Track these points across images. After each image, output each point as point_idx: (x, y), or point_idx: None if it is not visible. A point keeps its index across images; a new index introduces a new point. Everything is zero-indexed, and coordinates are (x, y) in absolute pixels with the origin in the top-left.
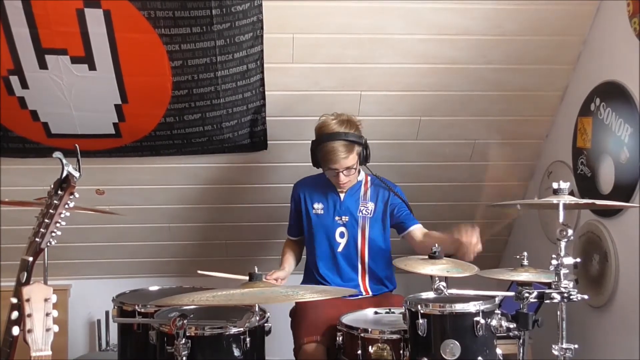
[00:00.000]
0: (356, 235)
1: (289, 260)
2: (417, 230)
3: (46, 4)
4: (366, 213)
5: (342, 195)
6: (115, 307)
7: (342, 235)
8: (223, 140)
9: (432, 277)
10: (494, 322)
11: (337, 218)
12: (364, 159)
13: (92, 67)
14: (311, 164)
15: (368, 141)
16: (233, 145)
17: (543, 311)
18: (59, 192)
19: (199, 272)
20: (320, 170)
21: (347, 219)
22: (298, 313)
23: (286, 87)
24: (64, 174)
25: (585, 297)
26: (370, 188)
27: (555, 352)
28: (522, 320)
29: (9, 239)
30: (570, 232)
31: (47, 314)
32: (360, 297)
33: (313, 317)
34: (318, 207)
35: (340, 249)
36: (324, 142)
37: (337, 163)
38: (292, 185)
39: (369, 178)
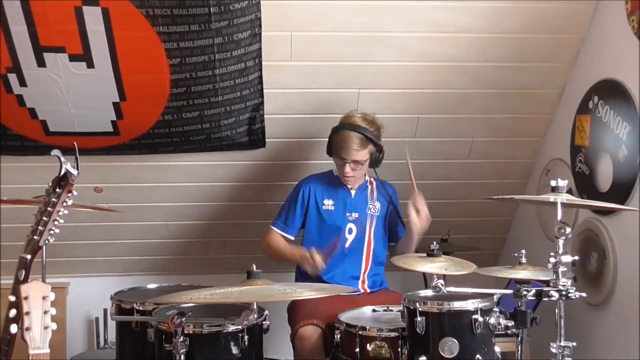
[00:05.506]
0: (364, 232)
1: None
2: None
3: (44, 2)
4: (374, 211)
5: (352, 192)
6: (114, 305)
7: (350, 231)
8: (221, 138)
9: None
10: (492, 320)
11: (347, 214)
12: (374, 162)
13: (90, 64)
14: (310, 162)
15: None
16: (231, 143)
17: (541, 309)
18: (57, 190)
19: None
20: (325, 170)
21: (356, 216)
22: (297, 304)
23: (284, 84)
24: (62, 172)
25: (584, 295)
26: (376, 190)
27: (554, 350)
28: (520, 318)
29: (8, 237)
30: (568, 230)
31: (45, 312)
32: (358, 293)
33: (312, 307)
34: (328, 203)
35: (347, 244)
36: (342, 129)
37: (348, 153)
38: (291, 182)
39: (374, 182)
